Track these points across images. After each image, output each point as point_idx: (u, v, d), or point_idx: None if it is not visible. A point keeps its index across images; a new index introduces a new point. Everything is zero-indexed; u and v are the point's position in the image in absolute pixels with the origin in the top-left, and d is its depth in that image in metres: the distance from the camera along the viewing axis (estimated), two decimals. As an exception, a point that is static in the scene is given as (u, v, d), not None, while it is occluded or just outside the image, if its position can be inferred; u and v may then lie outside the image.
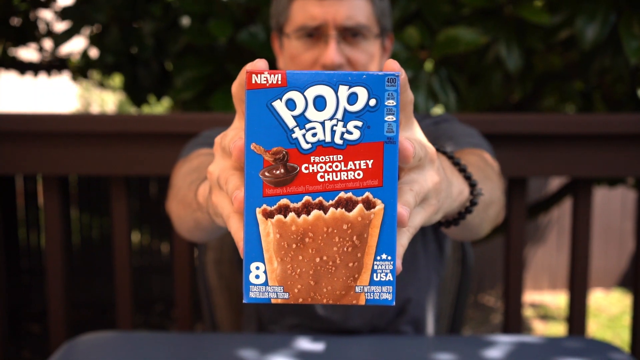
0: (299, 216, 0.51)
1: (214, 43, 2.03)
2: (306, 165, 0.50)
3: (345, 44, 1.16)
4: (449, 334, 1.55)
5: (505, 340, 1.23)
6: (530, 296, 5.89)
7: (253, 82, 0.50)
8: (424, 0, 1.87)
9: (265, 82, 0.50)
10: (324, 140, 0.50)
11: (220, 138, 0.60)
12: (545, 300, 5.73)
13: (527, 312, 5.41)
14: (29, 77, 3.86)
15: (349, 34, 1.16)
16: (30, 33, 3.14)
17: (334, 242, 0.51)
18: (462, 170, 0.83)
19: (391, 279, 0.51)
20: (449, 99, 1.85)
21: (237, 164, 0.55)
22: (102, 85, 3.77)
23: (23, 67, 3.69)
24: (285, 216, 0.50)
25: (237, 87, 0.55)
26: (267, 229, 0.51)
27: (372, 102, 0.50)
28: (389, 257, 0.51)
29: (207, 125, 1.53)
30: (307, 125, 0.50)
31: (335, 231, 0.51)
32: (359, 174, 0.50)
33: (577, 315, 1.67)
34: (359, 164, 0.50)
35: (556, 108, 2.97)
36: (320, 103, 0.50)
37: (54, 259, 1.63)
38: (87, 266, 5.03)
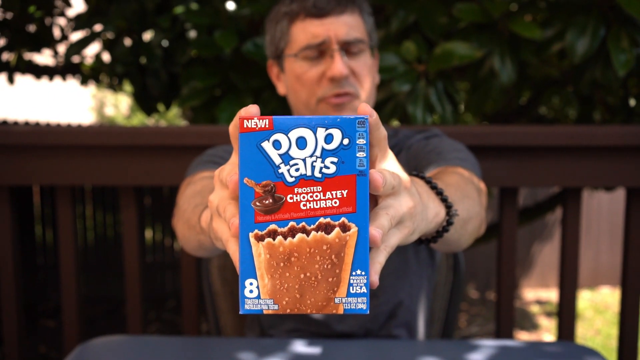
0: (285, 239, 0.59)
1: (219, 54, 2.11)
2: (291, 195, 0.59)
3: (347, 56, 1.26)
4: (440, 338, 1.63)
5: (491, 345, 1.31)
6: (536, 293, 5.94)
7: (245, 126, 0.59)
8: (422, 12, 1.93)
9: (255, 126, 0.59)
10: (306, 174, 0.59)
11: (219, 172, 0.68)
12: (551, 297, 5.78)
13: (534, 309, 5.46)
14: (44, 81, 3.96)
15: (350, 47, 1.26)
16: (44, 39, 3.24)
17: (316, 260, 0.60)
18: (439, 193, 0.91)
19: (365, 291, 0.60)
20: (445, 110, 1.92)
21: (233, 195, 0.63)
22: (114, 89, 3.87)
23: (38, 72, 3.79)
24: (274, 239, 0.59)
25: (233, 128, 0.63)
26: (259, 250, 0.60)
27: (345, 141, 0.59)
28: (363, 273, 0.60)
29: (214, 137, 1.62)
30: (291, 162, 0.59)
31: (316, 251, 0.60)
32: (335, 202, 0.59)
33: (566, 317, 1.74)
34: (336, 194, 0.59)
35: (557, 112, 3.03)
36: (301, 143, 0.59)
37: (67, 262, 1.73)
38: (101, 262, 5.15)
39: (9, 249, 1.70)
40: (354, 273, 0.60)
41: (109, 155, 1.67)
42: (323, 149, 0.59)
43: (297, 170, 0.59)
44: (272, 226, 0.59)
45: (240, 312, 0.61)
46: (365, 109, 0.62)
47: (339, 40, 1.24)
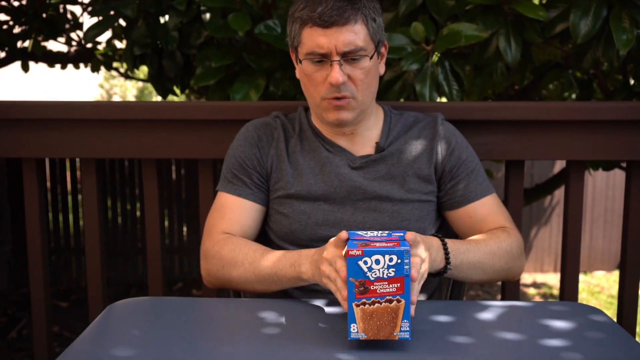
0: (371, 306, 1.13)
1: (233, 36, 2.18)
2: (372, 287, 1.13)
3: (347, 64, 1.45)
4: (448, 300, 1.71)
5: (500, 305, 1.38)
6: (533, 276, 6.06)
7: (350, 253, 1.13)
8: (430, -5, 2.00)
9: (354, 253, 1.13)
10: (379, 276, 1.13)
11: (332, 258, 1.25)
12: (548, 280, 5.91)
13: (530, 291, 5.58)
14: (56, 68, 4.04)
15: (349, 55, 1.44)
16: (59, 26, 3.31)
17: (385, 316, 1.14)
18: (446, 252, 1.40)
19: (408, 329, 1.14)
20: (452, 89, 1.99)
21: (342, 274, 1.21)
22: (126, 76, 3.94)
23: (52, 59, 3.86)
24: (364, 305, 1.13)
25: (339, 248, 1.24)
26: (358, 311, 1.14)
27: (399, 260, 1.12)
28: (407, 321, 1.14)
29: (229, 112, 1.71)
30: (372, 270, 1.13)
31: (385, 312, 1.13)
32: (394, 289, 1.13)
33: (568, 290, 1.82)
34: (394, 285, 1.13)
35: (557, 95, 3.10)
36: (377, 261, 1.12)
37: (92, 235, 1.80)
38: (110, 248, 5.23)
39: (36, 219, 1.78)
40: (403, 322, 1.14)
41: (129, 129, 1.75)
42: (388, 264, 1.12)
43: (374, 274, 1.13)
44: (363, 300, 1.13)
45: (349, 339, 1.14)
46: (409, 237, 1.20)
47: (339, 51, 1.42)
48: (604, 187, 6.02)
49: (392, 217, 1.53)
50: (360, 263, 1.12)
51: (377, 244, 1.14)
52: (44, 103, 1.75)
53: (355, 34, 1.42)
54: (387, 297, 1.13)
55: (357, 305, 1.13)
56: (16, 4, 3.23)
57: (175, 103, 1.75)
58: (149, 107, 1.77)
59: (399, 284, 1.12)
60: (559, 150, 1.72)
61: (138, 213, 5.15)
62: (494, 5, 1.94)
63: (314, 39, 1.43)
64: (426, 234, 1.52)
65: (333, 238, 1.27)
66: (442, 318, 1.31)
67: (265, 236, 1.65)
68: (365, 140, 1.58)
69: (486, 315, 1.32)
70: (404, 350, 1.15)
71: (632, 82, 2.18)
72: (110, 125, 1.76)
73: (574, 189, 1.76)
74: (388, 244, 1.14)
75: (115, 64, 3.88)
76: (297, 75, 1.56)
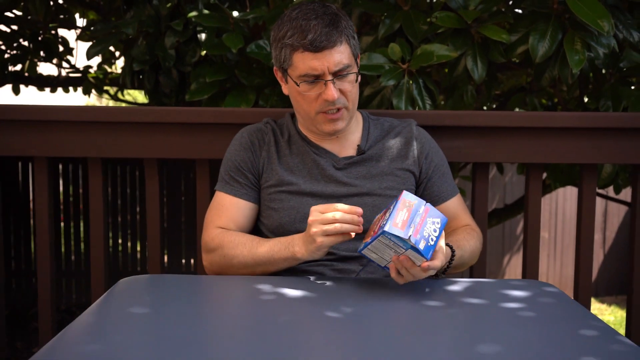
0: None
1: (225, 54, 2.39)
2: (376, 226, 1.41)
3: (337, 79, 1.63)
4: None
5: (465, 281, 1.57)
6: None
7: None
8: (405, 20, 2.24)
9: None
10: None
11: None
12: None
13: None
14: (45, 91, 4.20)
15: (339, 72, 1.62)
16: (55, 49, 3.49)
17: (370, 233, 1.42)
18: (452, 254, 1.58)
19: (363, 246, 1.42)
20: (425, 104, 2.21)
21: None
22: (116, 98, 4.11)
23: (42, 82, 4.03)
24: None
25: None
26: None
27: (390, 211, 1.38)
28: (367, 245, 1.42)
29: (225, 117, 1.91)
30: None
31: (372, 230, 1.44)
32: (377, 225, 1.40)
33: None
34: (377, 224, 1.41)
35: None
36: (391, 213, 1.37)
37: (96, 228, 1.97)
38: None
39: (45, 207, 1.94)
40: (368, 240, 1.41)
41: (133, 131, 1.93)
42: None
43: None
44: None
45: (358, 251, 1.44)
46: (435, 263, 1.40)
47: (331, 71, 1.61)
48: (571, 216, 6.29)
49: (372, 211, 1.68)
50: (403, 200, 1.37)
51: (414, 220, 1.34)
52: (57, 107, 1.92)
53: (341, 54, 1.61)
54: (378, 224, 1.39)
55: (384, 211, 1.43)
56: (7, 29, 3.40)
57: (175, 108, 1.94)
58: (150, 111, 1.95)
59: (377, 230, 1.37)
60: (519, 154, 1.94)
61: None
62: (463, 28, 2.18)
63: (307, 62, 1.60)
64: None
65: (314, 206, 1.52)
66: (425, 294, 1.50)
67: (257, 230, 1.81)
68: (348, 142, 1.77)
69: (454, 289, 1.51)
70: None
71: (585, 99, 2.43)
72: (115, 127, 1.94)
73: (532, 188, 1.98)
74: (401, 222, 1.33)
75: (105, 87, 4.06)
76: (285, 91, 1.74)
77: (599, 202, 6.14)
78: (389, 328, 1.26)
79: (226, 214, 1.74)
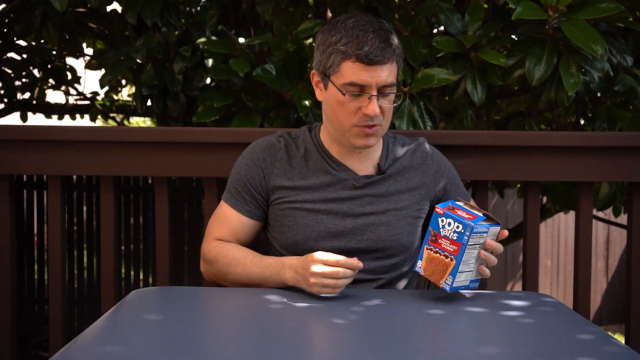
0: (434, 254, 1.49)
1: (232, 79, 2.47)
2: (440, 240, 1.48)
3: (380, 96, 1.63)
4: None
5: (468, 292, 1.61)
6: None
7: (436, 209, 1.50)
8: (406, 44, 2.32)
9: (439, 211, 1.50)
10: (446, 234, 1.47)
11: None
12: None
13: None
14: (53, 119, 4.29)
15: (383, 89, 1.63)
16: (63, 77, 3.58)
17: (439, 265, 1.48)
18: None
19: (450, 283, 1.46)
20: (426, 125, 2.28)
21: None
22: (122, 125, 4.19)
23: (50, 110, 4.12)
24: (430, 251, 1.51)
25: None
26: (426, 253, 1.52)
27: (462, 230, 1.44)
28: (452, 277, 1.46)
29: (233, 136, 1.97)
30: (444, 229, 1.47)
31: (440, 262, 1.48)
32: (451, 249, 1.45)
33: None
34: (453, 246, 1.45)
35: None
36: (449, 224, 1.46)
37: (107, 245, 2.02)
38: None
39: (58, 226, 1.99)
40: (449, 277, 1.46)
41: (141, 150, 2.00)
42: (455, 229, 1.44)
43: (444, 231, 1.47)
44: (432, 247, 1.49)
45: (414, 270, 1.56)
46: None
47: (378, 86, 1.61)
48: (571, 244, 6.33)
49: (387, 231, 1.70)
50: (439, 219, 1.46)
51: (459, 212, 1.45)
52: (71, 128, 1.99)
53: (389, 72, 1.62)
54: (445, 253, 1.44)
55: (427, 249, 1.49)
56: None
57: (184, 128, 2.01)
58: (160, 131, 2.02)
59: (456, 247, 1.42)
60: (517, 172, 2.00)
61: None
62: (462, 53, 2.25)
63: (356, 73, 1.59)
64: (414, 246, 1.76)
65: (315, 253, 1.54)
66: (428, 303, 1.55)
67: (267, 243, 1.83)
68: (369, 160, 1.76)
69: (454, 301, 1.56)
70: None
71: (582, 122, 2.50)
72: (127, 146, 2.00)
73: (531, 207, 2.03)
74: (465, 215, 1.44)
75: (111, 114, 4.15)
76: (320, 98, 1.72)
77: (602, 230, 6.19)
78: (393, 334, 1.31)
79: (227, 227, 1.77)
